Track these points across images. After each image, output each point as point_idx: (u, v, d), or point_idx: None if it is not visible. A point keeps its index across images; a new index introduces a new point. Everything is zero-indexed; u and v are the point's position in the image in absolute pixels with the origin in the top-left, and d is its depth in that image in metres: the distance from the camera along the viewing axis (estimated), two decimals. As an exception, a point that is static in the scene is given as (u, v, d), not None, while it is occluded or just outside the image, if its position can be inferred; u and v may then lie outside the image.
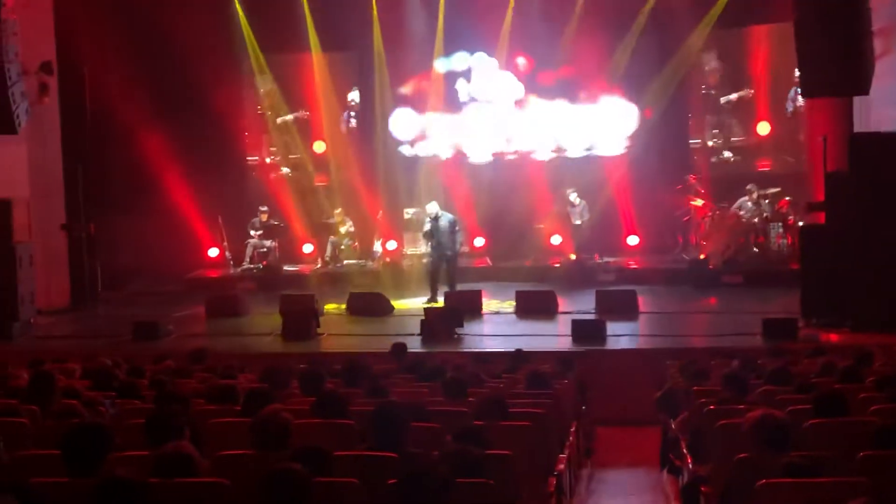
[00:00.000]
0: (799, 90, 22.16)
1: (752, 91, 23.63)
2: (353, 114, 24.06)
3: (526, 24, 22.41)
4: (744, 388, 8.85)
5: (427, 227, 18.96)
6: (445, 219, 18.80)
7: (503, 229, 22.31)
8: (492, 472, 5.72)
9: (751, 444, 6.21)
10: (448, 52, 22.99)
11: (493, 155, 23.11)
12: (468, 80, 23.08)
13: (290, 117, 23.84)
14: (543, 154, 22.99)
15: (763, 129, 23.79)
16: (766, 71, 23.54)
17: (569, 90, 22.72)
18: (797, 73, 21.68)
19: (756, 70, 23.74)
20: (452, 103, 23.21)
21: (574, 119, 22.75)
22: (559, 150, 22.93)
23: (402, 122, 23.27)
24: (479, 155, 23.11)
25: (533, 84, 22.90)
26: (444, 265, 18.97)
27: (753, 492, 5.55)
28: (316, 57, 23.08)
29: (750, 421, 6.25)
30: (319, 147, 24.07)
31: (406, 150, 23.25)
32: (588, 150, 22.82)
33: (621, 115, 22.63)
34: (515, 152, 23.11)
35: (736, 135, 23.99)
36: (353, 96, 24.05)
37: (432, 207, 19.00)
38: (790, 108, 23.32)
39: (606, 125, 22.68)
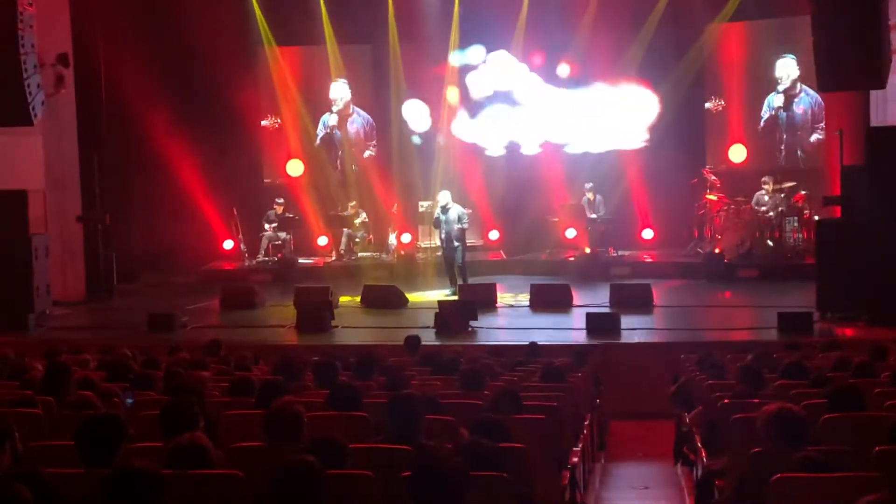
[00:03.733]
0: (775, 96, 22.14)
1: (723, 103, 23.13)
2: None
3: (542, 16, 22.37)
4: (759, 382, 8.82)
5: (436, 216, 18.95)
6: (454, 210, 18.76)
7: (518, 222, 22.35)
8: (506, 465, 5.71)
9: (766, 438, 6.19)
10: (463, 45, 22.97)
11: (509, 148, 23.09)
12: (484, 73, 23.06)
13: None
14: (559, 147, 22.94)
15: (737, 154, 22.90)
16: (742, 78, 22.88)
17: (585, 83, 22.66)
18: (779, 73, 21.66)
19: (728, 77, 23.03)
20: (468, 97, 23.21)
21: (590, 112, 22.68)
22: (574, 143, 22.88)
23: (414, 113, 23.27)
24: (495, 148, 23.10)
25: (549, 77, 22.86)
26: (456, 255, 18.92)
27: (768, 486, 5.53)
28: (331, 50, 23.07)
29: (765, 415, 6.23)
30: (295, 168, 23.81)
31: (419, 141, 23.24)
32: (605, 144, 22.73)
33: (641, 105, 22.51)
34: (531, 145, 23.08)
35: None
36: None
37: (443, 197, 18.96)
38: (765, 116, 22.56)
39: (625, 118, 22.58)
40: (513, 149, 23.09)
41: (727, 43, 22.79)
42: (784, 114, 22.38)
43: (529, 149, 23.00)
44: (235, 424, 7.15)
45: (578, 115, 22.68)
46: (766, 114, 22.56)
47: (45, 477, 4.68)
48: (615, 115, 22.57)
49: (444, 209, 18.71)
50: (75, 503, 4.99)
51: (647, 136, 22.62)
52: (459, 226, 18.71)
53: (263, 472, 5.04)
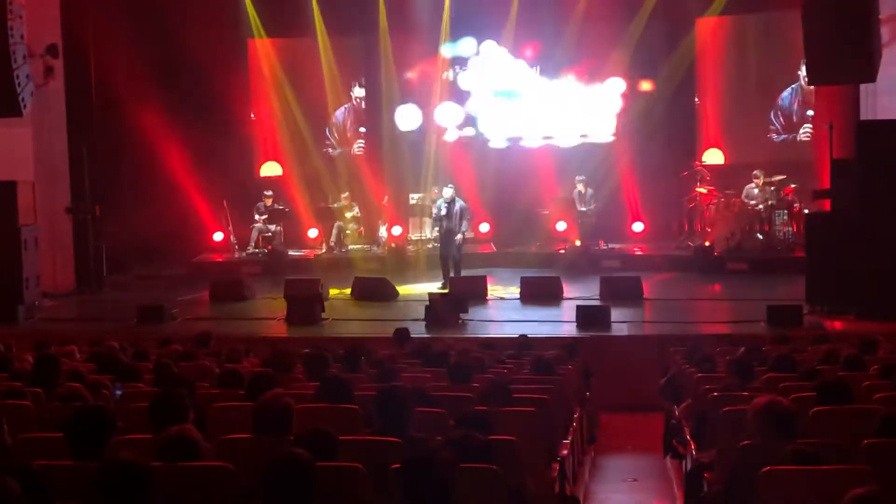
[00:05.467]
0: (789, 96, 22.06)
1: (696, 100, 23.00)
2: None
3: (533, 8, 22.35)
4: (749, 375, 8.85)
5: (441, 210, 18.76)
6: (458, 205, 18.72)
7: (509, 215, 22.32)
8: (496, 457, 5.72)
9: (756, 431, 6.20)
10: (455, 36, 22.95)
11: (501, 141, 23.10)
12: (474, 66, 23.06)
13: None
14: (550, 140, 22.94)
15: (712, 158, 22.72)
16: (718, 75, 22.87)
17: (575, 74, 22.67)
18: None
19: (703, 73, 22.98)
20: (458, 90, 23.21)
21: (579, 104, 22.69)
22: (565, 136, 22.88)
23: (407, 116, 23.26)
24: (487, 141, 23.14)
25: (540, 69, 22.87)
26: (453, 251, 18.85)
27: (757, 479, 5.54)
28: (322, 42, 23.03)
29: (755, 407, 6.24)
30: (271, 170, 23.76)
31: (412, 136, 23.23)
32: (585, 136, 22.74)
33: (615, 96, 22.57)
34: (522, 138, 23.09)
35: None
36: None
37: (448, 192, 18.89)
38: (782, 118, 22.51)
39: (604, 109, 22.60)
40: (504, 142, 23.10)
41: (717, 36, 22.78)
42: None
43: (523, 142, 23.03)
44: (225, 417, 7.14)
45: (567, 106, 22.68)
46: (783, 113, 22.55)
47: (34, 469, 4.66)
48: (600, 105, 22.58)
49: (451, 203, 18.63)
50: (65, 495, 4.97)
51: (616, 121, 22.61)
52: (464, 227, 18.65)
53: (253, 464, 5.04)
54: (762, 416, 6.17)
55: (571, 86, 22.66)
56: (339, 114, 23.82)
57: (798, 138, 22.45)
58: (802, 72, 21.24)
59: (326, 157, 23.62)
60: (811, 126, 22.10)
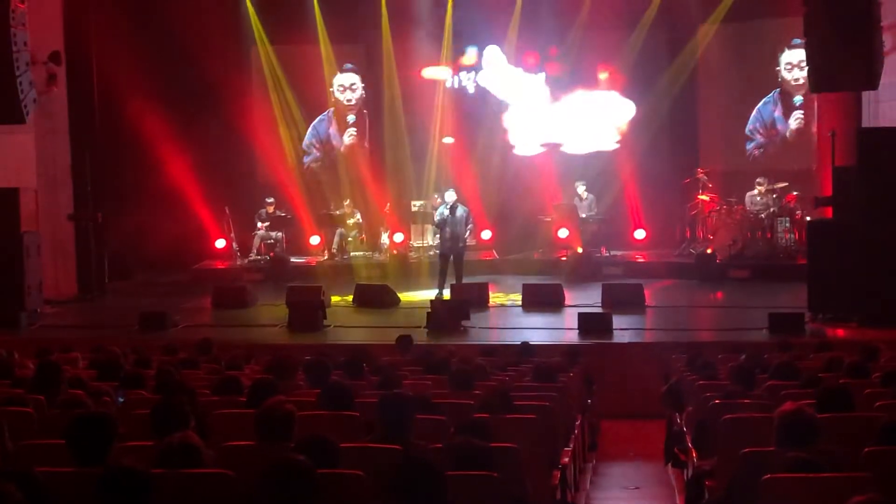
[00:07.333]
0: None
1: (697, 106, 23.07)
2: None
3: (535, 16, 22.38)
4: (750, 383, 8.84)
5: (442, 214, 18.65)
6: (461, 210, 18.69)
7: (510, 222, 22.35)
8: (497, 464, 5.71)
9: (776, 438, 6.15)
10: (457, 44, 22.96)
11: (502, 148, 23.10)
12: (478, 75, 23.08)
13: None
14: (553, 148, 22.94)
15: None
16: (720, 81, 22.88)
17: (576, 83, 22.67)
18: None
19: (705, 80, 22.90)
20: (463, 97, 23.22)
21: (580, 112, 22.69)
22: (566, 143, 22.88)
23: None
24: (489, 148, 23.15)
25: (541, 78, 22.89)
26: (452, 257, 18.80)
27: (759, 486, 5.53)
28: (324, 49, 23.07)
29: (781, 414, 6.18)
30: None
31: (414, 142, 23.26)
32: (592, 144, 22.75)
33: (618, 108, 22.56)
34: (524, 146, 23.09)
35: None
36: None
37: (451, 196, 18.83)
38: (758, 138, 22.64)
39: (607, 118, 22.60)
40: (506, 149, 23.09)
41: (720, 44, 22.77)
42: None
43: (523, 149, 23.01)
44: (226, 423, 7.14)
45: (569, 113, 22.69)
46: (759, 128, 22.57)
47: (36, 476, 4.67)
48: (603, 114, 22.58)
49: (452, 208, 18.58)
50: (66, 502, 4.98)
51: (619, 136, 22.60)
52: (470, 226, 18.61)
53: (255, 471, 5.05)
54: (786, 424, 6.11)
55: (574, 93, 22.66)
56: (319, 124, 23.91)
57: (789, 130, 22.42)
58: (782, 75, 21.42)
59: (311, 171, 23.68)
60: (802, 113, 22.12)
